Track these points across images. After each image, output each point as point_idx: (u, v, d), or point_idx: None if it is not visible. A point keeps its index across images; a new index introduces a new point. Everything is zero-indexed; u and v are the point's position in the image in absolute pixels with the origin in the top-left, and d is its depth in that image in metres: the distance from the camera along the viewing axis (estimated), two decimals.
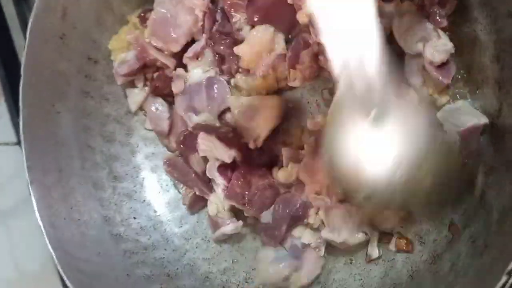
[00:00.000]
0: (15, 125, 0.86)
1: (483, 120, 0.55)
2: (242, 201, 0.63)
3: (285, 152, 0.63)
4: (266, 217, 0.64)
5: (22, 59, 0.67)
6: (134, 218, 0.74)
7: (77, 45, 0.72)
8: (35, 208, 0.65)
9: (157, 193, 0.76)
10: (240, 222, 0.67)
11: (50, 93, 0.70)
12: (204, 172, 0.69)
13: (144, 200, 0.76)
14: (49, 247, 0.63)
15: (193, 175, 0.71)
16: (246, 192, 0.63)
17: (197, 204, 0.74)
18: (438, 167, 0.48)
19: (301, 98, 0.68)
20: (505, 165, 0.53)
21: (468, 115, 0.55)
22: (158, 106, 0.74)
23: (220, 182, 0.65)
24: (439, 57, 0.54)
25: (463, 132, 0.54)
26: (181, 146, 0.70)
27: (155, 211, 0.76)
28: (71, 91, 0.72)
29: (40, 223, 0.65)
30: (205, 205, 0.72)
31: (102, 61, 0.75)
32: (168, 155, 0.74)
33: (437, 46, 0.54)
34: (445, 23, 0.55)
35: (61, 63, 0.71)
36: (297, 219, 0.63)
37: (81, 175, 0.72)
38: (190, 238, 0.74)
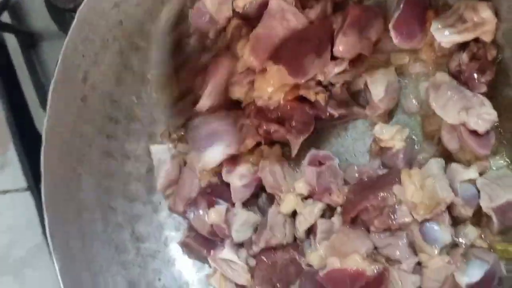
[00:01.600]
0: (25, 170, 0.86)
1: None
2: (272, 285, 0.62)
3: (320, 226, 0.62)
4: None
5: (44, 124, 0.66)
6: (159, 279, 0.73)
7: (98, 106, 0.72)
8: (59, 278, 0.64)
9: (181, 252, 0.75)
10: None
11: (72, 156, 0.70)
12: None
13: (169, 260, 0.75)
14: None
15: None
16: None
17: None
18: None
19: None
20: None
21: (507, 187, 0.53)
22: None
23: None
24: (484, 126, 0.53)
25: (497, 208, 0.53)
26: None
27: (180, 272, 0.75)
28: (92, 152, 0.72)
29: None
30: None
31: (123, 121, 0.75)
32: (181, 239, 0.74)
33: (480, 115, 0.53)
34: (484, 88, 0.54)
35: (83, 125, 0.71)
36: None
37: (103, 239, 0.71)
38: None
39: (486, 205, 0.55)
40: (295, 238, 0.66)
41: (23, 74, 0.90)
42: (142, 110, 0.75)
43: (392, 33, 0.59)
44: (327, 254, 0.60)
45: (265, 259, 0.65)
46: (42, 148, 0.66)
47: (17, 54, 0.91)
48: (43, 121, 0.65)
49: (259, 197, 0.71)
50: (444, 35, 0.56)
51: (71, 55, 0.66)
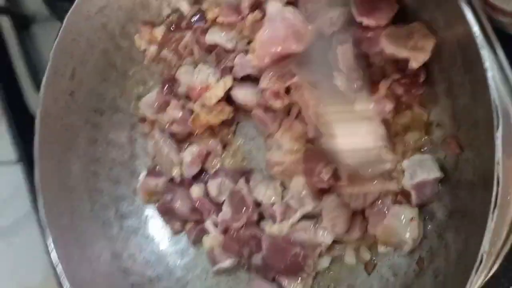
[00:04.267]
0: (16, 144, 0.92)
1: (434, 175, 0.63)
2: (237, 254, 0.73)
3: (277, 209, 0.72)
4: (257, 259, 0.72)
5: (36, 117, 0.74)
6: (140, 252, 0.82)
7: (84, 99, 0.79)
8: (52, 248, 0.73)
9: (159, 228, 0.84)
10: (235, 259, 0.76)
11: (61, 144, 0.77)
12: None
13: (148, 236, 0.84)
14: (66, 283, 0.71)
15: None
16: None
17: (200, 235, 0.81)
18: None
19: None
20: (461, 213, 0.61)
21: (424, 168, 0.64)
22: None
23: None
24: None
25: (413, 185, 0.64)
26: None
27: (158, 246, 0.84)
28: (80, 140, 0.80)
29: (57, 261, 0.73)
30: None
31: (107, 112, 0.83)
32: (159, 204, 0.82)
33: None
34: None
35: (71, 116, 0.78)
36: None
37: (91, 216, 0.79)
38: (191, 270, 0.81)
39: (406, 182, 0.65)
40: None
41: (16, 53, 0.96)
42: (124, 102, 0.83)
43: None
44: None
45: (230, 234, 0.74)
46: (35, 137, 0.74)
47: (10, 35, 0.97)
48: (33, 98, 0.72)
49: None
50: (387, 44, 0.63)
51: (60, 55, 0.74)
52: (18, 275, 0.94)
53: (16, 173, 0.92)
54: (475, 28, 0.48)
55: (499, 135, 0.47)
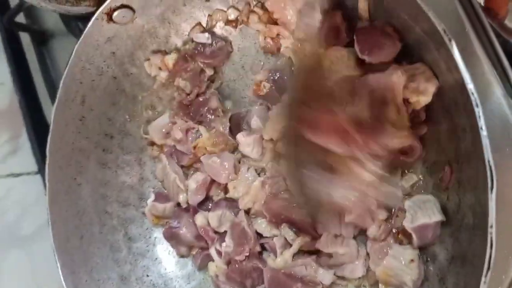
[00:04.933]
0: (36, 155, 0.95)
1: (435, 218, 0.62)
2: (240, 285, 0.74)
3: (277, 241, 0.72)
4: None
5: (47, 142, 0.76)
6: (147, 275, 0.84)
7: (94, 124, 0.81)
8: (60, 272, 0.75)
9: (167, 251, 0.85)
10: None
11: (72, 168, 0.79)
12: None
13: (156, 259, 0.85)
14: None
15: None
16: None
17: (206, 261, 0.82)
18: None
19: None
20: (461, 258, 0.59)
21: (426, 211, 0.62)
22: None
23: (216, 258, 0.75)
24: None
25: (414, 228, 0.63)
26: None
27: (165, 269, 0.85)
28: (90, 164, 0.81)
29: (64, 285, 0.75)
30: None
31: (117, 136, 0.84)
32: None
33: None
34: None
35: (81, 141, 0.80)
36: None
37: (99, 239, 0.81)
38: None
39: (407, 225, 0.64)
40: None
41: (35, 67, 0.99)
42: (133, 126, 0.85)
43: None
44: None
45: (234, 265, 0.75)
46: (47, 162, 0.77)
47: (30, 50, 1.00)
48: (51, 110, 0.74)
49: None
50: None
51: (70, 83, 0.76)
52: (38, 283, 0.96)
53: (37, 183, 0.95)
54: (470, 86, 0.47)
55: (493, 196, 0.45)
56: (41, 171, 0.96)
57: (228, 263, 0.75)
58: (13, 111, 0.99)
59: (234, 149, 0.80)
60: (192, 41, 0.82)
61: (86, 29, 0.73)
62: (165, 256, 0.85)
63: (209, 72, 0.82)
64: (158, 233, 0.86)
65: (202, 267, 0.82)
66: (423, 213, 0.62)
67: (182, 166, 0.82)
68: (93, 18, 0.72)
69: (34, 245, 0.97)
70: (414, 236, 0.63)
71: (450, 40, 0.48)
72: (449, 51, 0.50)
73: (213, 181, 0.79)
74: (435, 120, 0.64)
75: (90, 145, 0.82)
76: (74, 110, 0.78)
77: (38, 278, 0.96)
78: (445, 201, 0.64)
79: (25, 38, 1.02)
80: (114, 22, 0.74)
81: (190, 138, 0.81)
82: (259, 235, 0.75)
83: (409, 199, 0.65)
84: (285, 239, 0.71)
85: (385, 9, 0.62)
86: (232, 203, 0.77)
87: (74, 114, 0.79)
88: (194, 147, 0.79)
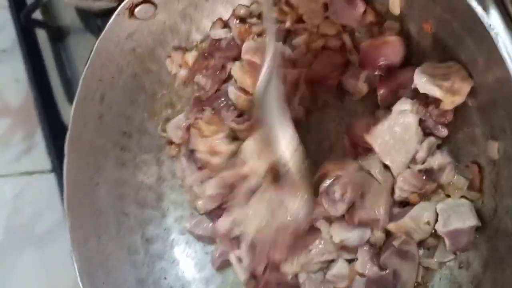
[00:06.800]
0: (51, 154, 0.94)
1: (469, 223, 0.59)
2: None
3: None
4: None
5: (66, 141, 0.75)
6: (165, 278, 0.82)
7: (113, 123, 0.79)
8: (77, 274, 0.73)
9: (185, 254, 0.84)
10: None
11: (90, 167, 0.77)
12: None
13: (173, 261, 0.83)
14: None
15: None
16: None
17: (225, 265, 0.80)
18: None
19: None
20: (498, 264, 0.57)
21: (459, 215, 0.60)
22: None
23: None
24: None
25: (446, 232, 0.60)
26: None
27: (183, 272, 0.83)
28: (108, 163, 0.80)
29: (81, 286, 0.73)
30: (230, 264, 0.79)
31: (135, 134, 0.82)
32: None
33: None
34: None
35: (99, 139, 0.78)
36: None
37: (117, 241, 0.79)
38: None
39: (440, 229, 0.61)
40: None
41: (51, 64, 0.98)
42: (152, 125, 0.83)
43: None
44: None
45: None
46: (65, 161, 0.75)
47: (46, 47, 0.99)
48: (66, 109, 0.73)
49: None
50: (422, 81, 0.59)
51: (90, 80, 0.73)
52: (51, 283, 0.95)
53: (51, 181, 0.94)
54: None
55: None
56: (55, 169, 0.95)
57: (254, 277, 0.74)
58: (28, 109, 0.98)
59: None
60: (208, 38, 0.80)
61: (108, 25, 0.71)
62: (183, 258, 0.83)
63: (230, 66, 0.79)
64: (176, 235, 0.84)
65: (220, 268, 0.80)
66: (457, 217, 0.60)
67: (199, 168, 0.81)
68: (115, 14, 0.71)
69: (48, 244, 0.96)
70: (447, 240, 0.60)
71: (496, 35, 0.46)
72: (490, 46, 0.48)
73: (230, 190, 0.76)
74: (467, 121, 0.62)
75: (108, 144, 0.80)
76: (93, 108, 0.77)
77: (52, 277, 0.95)
78: (480, 206, 0.61)
79: (41, 35, 1.00)
80: (135, 17, 0.73)
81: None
82: None
83: (442, 202, 0.62)
84: None
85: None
86: None
87: (93, 112, 0.77)
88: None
